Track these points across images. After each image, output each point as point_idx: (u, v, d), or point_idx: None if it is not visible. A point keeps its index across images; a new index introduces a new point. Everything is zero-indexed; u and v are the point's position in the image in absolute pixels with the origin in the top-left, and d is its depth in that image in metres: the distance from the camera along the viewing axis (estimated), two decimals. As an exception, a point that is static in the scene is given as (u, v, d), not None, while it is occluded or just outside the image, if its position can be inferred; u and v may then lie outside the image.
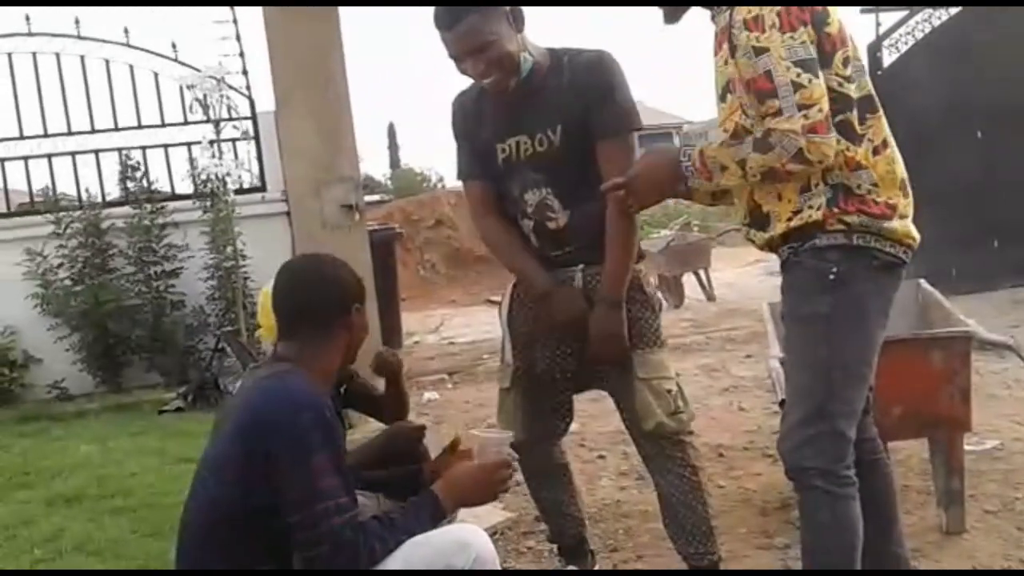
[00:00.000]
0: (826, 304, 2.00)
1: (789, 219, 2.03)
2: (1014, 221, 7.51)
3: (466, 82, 2.52)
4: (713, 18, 2.10)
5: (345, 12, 6.71)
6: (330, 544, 1.70)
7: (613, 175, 2.25)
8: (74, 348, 6.41)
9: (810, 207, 2.00)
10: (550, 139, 2.44)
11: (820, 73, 1.91)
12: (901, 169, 2.06)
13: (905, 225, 2.03)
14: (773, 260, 2.24)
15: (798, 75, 1.89)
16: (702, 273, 9.83)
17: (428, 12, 2.34)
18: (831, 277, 1.99)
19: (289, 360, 1.92)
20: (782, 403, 2.79)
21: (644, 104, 49.91)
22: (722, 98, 2.12)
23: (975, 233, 7.48)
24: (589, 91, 2.41)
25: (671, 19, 2.17)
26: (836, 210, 1.98)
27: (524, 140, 2.46)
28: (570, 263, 2.52)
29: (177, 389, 6.08)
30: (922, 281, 3.45)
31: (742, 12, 1.94)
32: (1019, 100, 7.17)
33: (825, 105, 1.89)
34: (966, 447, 3.10)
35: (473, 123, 2.55)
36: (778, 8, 1.90)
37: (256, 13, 6.61)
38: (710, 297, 9.74)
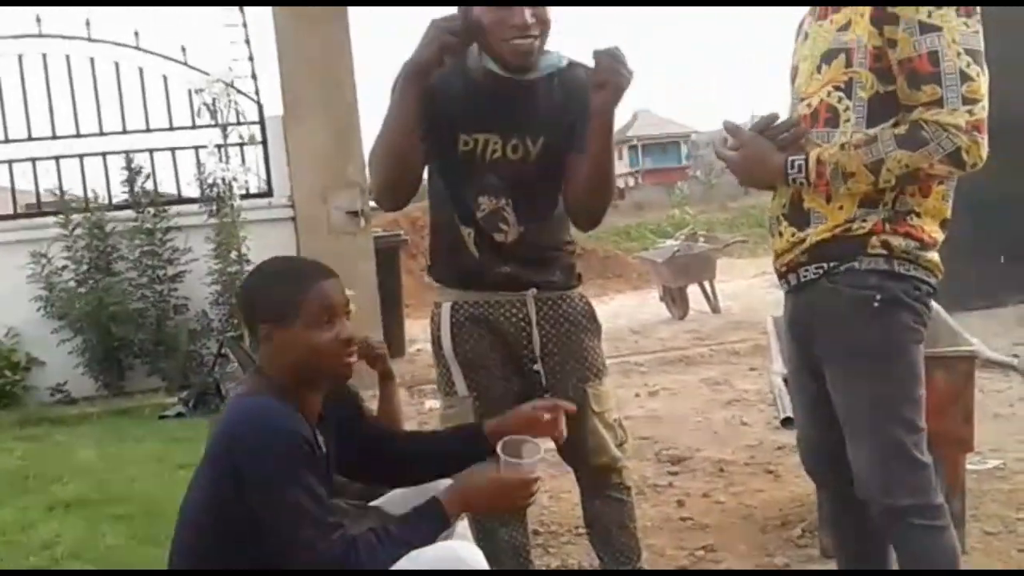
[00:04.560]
0: (876, 335, 1.89)
1: (835, 227, 1.90)
2: (1022, 236, 7.47)
3: None
4: None
5: (355, 17, 6.74)
6: (326, 565, 1.64)
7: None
8: (77, 351, 6.41)
9: (864, 221, 1.88)
10: (527, 149, 2.24)
11: (986, 69, 1.75)
12: (948, 208, 1.95)
13: (937, 256, 1.94)
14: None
15: (968, 64, 1.72)
16: (707, 284, 9.81)
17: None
18: (875, 304, 1.87)
19: (260, 372, 1.85)
20: (784, 421, 2.78)
21: (652, 113, 50.24)
22: (818, 68, 1.93)
23: (982, 248, 7.43)
24: (582, 112, 2.20)
25: None
26: (887, 227, 1.87)
27: (495, 140, 2.24)
28: (518, 285, 2.32)
29: (179, 394, 6.08)
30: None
31: None
32: (1030, 113, 7.15)
33: (987, 104, 1.74)
34: (968, 466, 3.08)
35: (433, 95, 2.19)
36: None
37: (267, 18, 6.66)
38: (715, 309, 9.71)
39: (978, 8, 1.78)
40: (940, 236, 1.94)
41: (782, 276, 2.06)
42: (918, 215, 1.89)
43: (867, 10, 1.82)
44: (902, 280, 1.89)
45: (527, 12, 2.10)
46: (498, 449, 1.83)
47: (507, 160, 2.25)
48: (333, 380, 1.85)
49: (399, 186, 2.27)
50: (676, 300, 9.81)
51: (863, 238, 1.89)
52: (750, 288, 11.44)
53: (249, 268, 6.34)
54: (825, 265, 1.93)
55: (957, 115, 1.73)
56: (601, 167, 2.22)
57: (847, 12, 1.87)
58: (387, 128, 2.21)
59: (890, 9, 1.78)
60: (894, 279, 1.88)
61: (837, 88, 1.89)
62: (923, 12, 1.75)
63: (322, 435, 1.83)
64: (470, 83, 2.23)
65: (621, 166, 46.21)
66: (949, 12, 1.74)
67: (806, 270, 1.97)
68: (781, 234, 2.01)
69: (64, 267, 6.46)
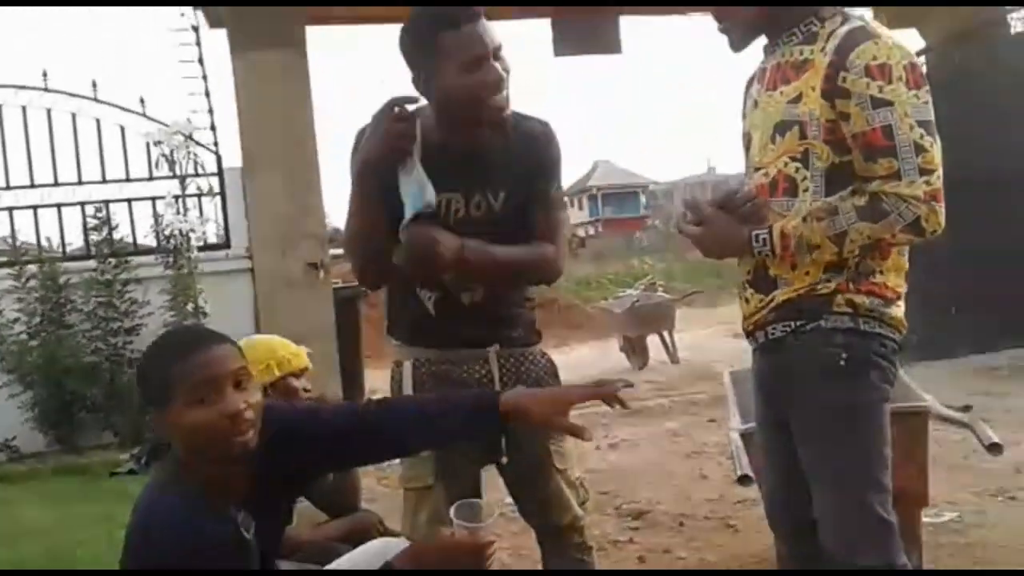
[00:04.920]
0: (842, 393, 1.92)
1: (799, 289, 1.94)
2: (973, 289, 7.62)
3: None
4: (774, 49, 2.01)
5: (315, 64, 6.77)
6: None
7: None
8: (26, 405, 6.24)
9: (828, 282, 1.92)
10: (490, 204, 2.21)
11: (938, 138, 1.82)
12: (906, 261, 2.00)
13: (902, 311, 1.98)
14: (738, 322, 2.15)
15: (921, 136, 1.80)
16: (666, 335, 9.87)
17: (402, 64, 2.16)
18: (841, 363, 1.90)
19: (173, 454, 1.71)
20: (741, 479, 2.78)
21: (612, 164, 50.90)
22: (772, 139, 1.97)
23: (935, 300, 7.57)
24: (538, 163, 2.24)
25: (738, 46, 2.05)
26: (851, 286, 1.92)
27: (456, 200, 2.20)
28: (481, 343, 2.29)
29: (131, 450, 5.94)
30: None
31: (864, 57, 1.81)
32: (982, 168, 7.33)
33: (941, 173, 1.81)
34: (924, 519, 3.10)
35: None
36: (906, 62, 1.82)
37: (227, 69, 6.66)
38: (674, 359, 9.77)
39: (926, 78, 1.85)
40: (903, 288, 1.99)
41: (750, 334, 2.09)
42: (881, 272, 1.94)
43: (818, 83, 1.87)
44: (868, 338, 1.92)
45: (497, 66, 2.08)
46: (451, 513, 1.80)
47: (471, 218, 2.22)
48: (225, 460, 1.66)
49: (378, 267, 2.27)
50: (636, 350, 9.86)
51: (828, 297, 1.92)
52: (709, 338, 11.54)
53: (206, 320, 6.28)
54: (792, 324, 1.96)
55: (915, 186, 1.79)
56: (504, 281, 2.28)
57: (797, 85, 1.91)
58: (354, 218, 2.19)
59: (840, 83, 1.83)
60: (860, 337, 1.92)
61: (794, 159, 1.92)
62: (874, 87, 1.80)
63: (251, 511, 1.72)
64: (427, 146, 2.15)
65: (581, 215, 46.71)
66: (899, 87, 1.80)
67: (773, 328, 2.00)
68: (748, 300, 2.06)
69: (16, 319, 6.33)
